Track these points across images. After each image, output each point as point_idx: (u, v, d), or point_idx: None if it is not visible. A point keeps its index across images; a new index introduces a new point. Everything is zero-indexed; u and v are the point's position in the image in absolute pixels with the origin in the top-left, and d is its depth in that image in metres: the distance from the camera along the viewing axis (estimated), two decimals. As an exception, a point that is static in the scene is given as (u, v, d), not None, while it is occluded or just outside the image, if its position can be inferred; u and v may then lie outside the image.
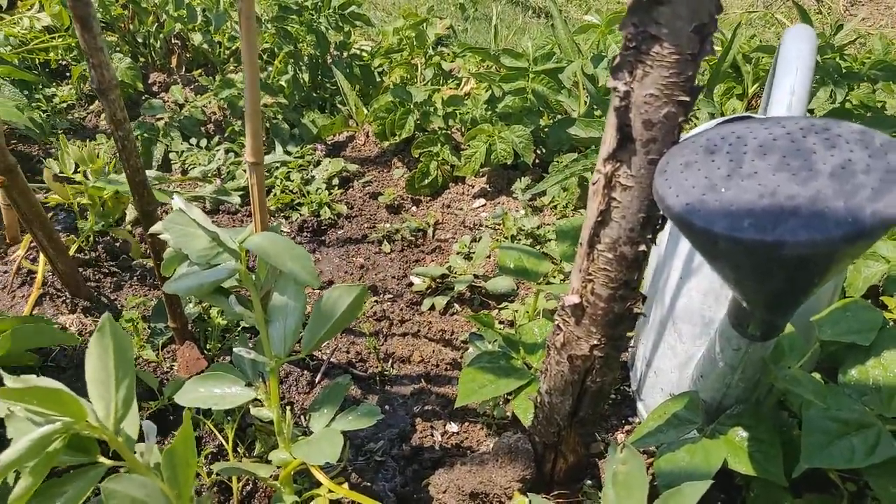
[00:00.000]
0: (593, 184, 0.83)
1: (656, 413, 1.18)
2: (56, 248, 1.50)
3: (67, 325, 1.46)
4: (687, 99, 0.75)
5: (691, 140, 0.76)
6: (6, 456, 0.73)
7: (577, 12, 5.66)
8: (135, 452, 0.88)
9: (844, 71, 1.76)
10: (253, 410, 1.12)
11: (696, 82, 0.75)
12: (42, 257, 1.53)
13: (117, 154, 1.16)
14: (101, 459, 0.86)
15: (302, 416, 1.40)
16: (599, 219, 0.84)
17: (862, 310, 1.11)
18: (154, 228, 1.09)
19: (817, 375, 1.17)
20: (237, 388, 1.10)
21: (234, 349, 1.08)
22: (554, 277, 1.75)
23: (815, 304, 1.21)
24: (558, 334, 0.97)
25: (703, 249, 0.72)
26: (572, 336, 0.95)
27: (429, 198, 2.37)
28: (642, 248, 0.84)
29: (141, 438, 0.90)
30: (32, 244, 1.62)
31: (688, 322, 1.25)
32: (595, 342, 0.93)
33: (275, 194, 2.30)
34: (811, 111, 1.80)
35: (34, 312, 1.49)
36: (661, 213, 0.80)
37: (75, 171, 1.64)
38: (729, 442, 1.08)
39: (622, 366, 1.61)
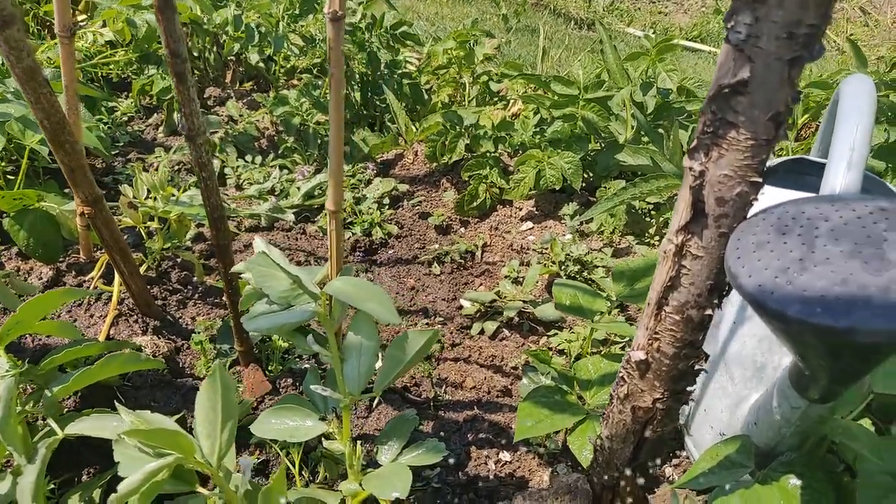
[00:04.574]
0: (663, 251, 0.88)
1: (708, 454, 1.21)
2: (130, 270, 1.58)
3: (143, 346, 1.54)
4: (759, 180, 0.79)
5: (762, 217, 0.80)
6: (125, 486, 0.81)
7: (619, 23, 5.67)
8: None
9: (899, 110, 1.78)
10: (325, 443, 1.18)
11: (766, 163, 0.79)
12: (117, 278, 1.61)
13: (201, 193, 1.23)
14: (200, 489, 0.93)
15: (358, 441, 1.47)
16: (669, 283, 0.88)
17: (916, 364, 1.14)
18: (236, 268, 1.16)
19: (868, 422, 1.20)
20: (310, 421, 1.16)
21: (309, 386, 1.14)
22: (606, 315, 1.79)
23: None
24: (622, 385, 1.02)
25: (775, 328, 0.76)
26: (636, 389, 0.99)
27: (477, 219, 2.43)
28: (708, 312, 0.89)
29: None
30: (106, 263, 1.70)
31: (740, 366, 1.29)
32: (658, 395, 0.98)
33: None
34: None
35: (110, 332, 1.58)
36: (730, 284, 0.84)
37: (147, 197, 1.73)
38: (782, 489, 1.11)
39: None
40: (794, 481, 1.12)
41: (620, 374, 1.02)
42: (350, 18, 2.81)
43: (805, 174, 1.47)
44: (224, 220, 1.32)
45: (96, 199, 1.40)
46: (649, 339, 0.94)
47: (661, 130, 2.28)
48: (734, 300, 1.30)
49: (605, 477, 1.13)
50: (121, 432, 0.81)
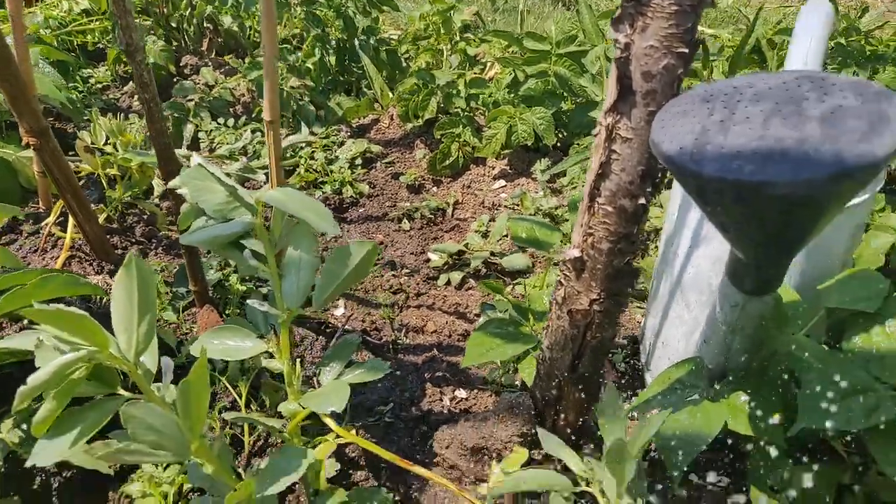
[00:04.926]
0: (595, 135, 0.85)
1: (660, 379, 1.19)
2: (85, 214, 1.56)
3: (97, 283, 1.52)
4: (686, 51, 0.76)
5: (690, 92, 0.78)
6: (33, 379, 0.78)
7: (609, 4, 5.64)
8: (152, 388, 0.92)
9: (869, 53, 1.74)
10: (264, 362, 1.16)
11: (697, 35, 0.77)
12: (71, 221, 1.59)
13: (145, 117, 1.20)
14: (121, 391, 0.90)
15: (315, 378, 1.44)
16: (600, 171, 0.86)
17: (869, 278, 1.11)
18: (172, 183, 1.13)
19: (824, 345, 1.18)
20: (250, 341, 1.13)
21: (248, 302, 1.11)
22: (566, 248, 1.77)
23: (825, 273, 1.22)
24: (559, 290, 0.99)
25: (696, 194, 0.73)
26: (573, 291, 0.97)
27: (450, 179, 2.40)
28: (641, 201, 0.86)
29: (159, 377, 0.94)
30: (63, 211, 1.68)
31: (696, 290, 1.26)
32: (595, 296, 0.95)
33: (299, 173, 2.34)
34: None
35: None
36: (660, 165, 0.81)
37: (105, 143, 1.70)
38: (730, 405, 1.09)
39: (633, 341, 1.62)
40: (743, 397, 1.10)
41: (558, 279, 0.99)
42: (325, -19, 2.78)
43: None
44: (170, 147, 1.29)
45: (42, 131, 1.37)
46: (584, 236, 0.92)
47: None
48: (690, 225, 1.28)
49: (547, 390, 1.10)
50: (29, 312, 0.78)
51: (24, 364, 1.13)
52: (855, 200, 1.15)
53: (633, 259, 0.92)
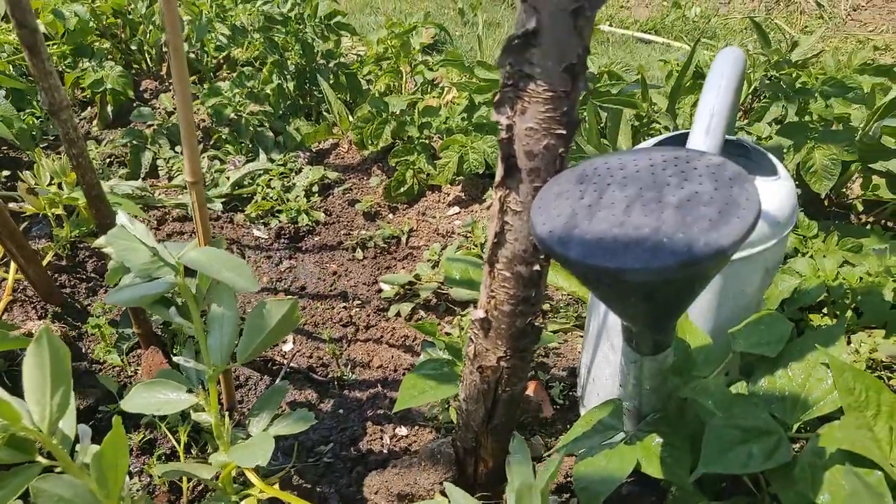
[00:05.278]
0: (489, 208, 0.89)
1: (584, 420, 1.23)
2: (26, 256, 1.57)
3: (34, 330, 1.54)
4: (564, 132, 0.80)
5: (570, 170, 0.82)
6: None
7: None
8: (72, 454, 0.95)
9: (798, 87, 1.79)
10: (194, 415, 1.19)
11: (575, 116, 0.81)
12: (13, 265, 1.61)
13: (73, 171, 1.23)
14: (39, 459, 0.93)
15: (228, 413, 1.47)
16: (496, 240, 0.90)
17: (775, 321, 1.16)
18: (97, 242, 1.16)
19: (742, 384, 1.22)
20: (180, 394, 1.16)
21: (175, 358, 1.14)
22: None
23: (740, 313, 1.26)
24: (470, 346, 1.03)
25: (573, 274, 0.77)
26: (482, 348, 1.00)
27: (405, 205, 2.43)
28: (536, 267, 0.90)
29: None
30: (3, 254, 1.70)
31: (617, 333, 1.30)
32: (501, 354, 0.99)
33: (255, 201, 2.37)
34: (766, 123, 1.84)
35: (2, 318, 1.57)
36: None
37: (50, 183, 1.72)
38: (645, 447, 1.13)
39: (571, 372, 1.66)
40: (657, 440, 1.14)
41: (469, 336, 1.03)
42: (281, 7, 2.81)
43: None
44: (103, 199, 1.32)
45: (-20, 182, 1.39)
46: (488, 298, 0.95)
47: (583, 115, 2.30)
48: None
49: (466, 440, 1.14)
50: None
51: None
52: (763, 245, 1.20)
53: (534, 319, 0.96)
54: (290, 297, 1.97)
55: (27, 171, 1.72)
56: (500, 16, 5.27)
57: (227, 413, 1.18)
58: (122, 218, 1.14)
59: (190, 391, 1.17)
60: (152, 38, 2.78)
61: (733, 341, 1.16)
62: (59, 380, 0.89)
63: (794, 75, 1.86)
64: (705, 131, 1.18)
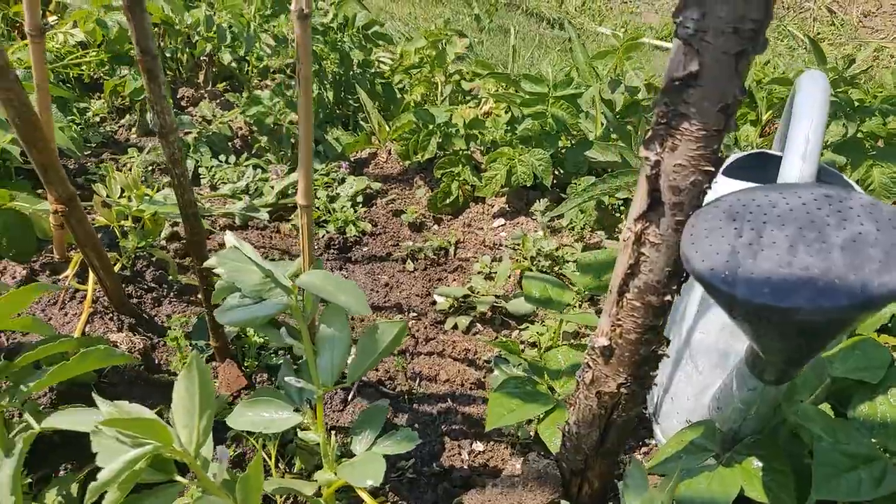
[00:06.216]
0: (624, 239, 0.91)
1: (675, 440, 1.26)
2: (105, 268, 1.59)
3: (119, 343, 1.55)
4: (712, 169, 0.83)
5: (714, 205, 0.84)
6: (105, 474, 0.82)
7: (591, 23, 5.73)
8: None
9: (857, 105, 1.83)
10: (300, 434, 1.20)
11: (721, 153, 0.83)
12: (91, 276, 1.62)
13: (174, 190, 1.24)
14: (178, 478, 0.95)
15: (333, 432, 1.49)
16: (629, 271, 0.92)
17: (871, 348, 1.19)
18: (209, 263, 1.17)
19: (828, 407, 1.25)
20: (284, 413, 1.18)
21: (283, 378, 1.16)
22: (576, 307, 1.82)
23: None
24: (587, 371, 1.05)
25: (726, 309, 0.80)
26: (601, 374, 1.03)
27: (450, 216, 2.45)
28: (668, 298, 0.92)
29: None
30: (81, 261, 1.71)
31: (704, 354, 1.33)
32: (622, 381, 1.01)
33: (302, 211, 2.38)
34: (826, 144, 1.87)
35: (85, 330, 1.58)
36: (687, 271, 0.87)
37: (121, 196, 1.73)
38: (745, 470, 1.15)
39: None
40: (756, 463, 1.17)
41: (585, 361, 1.05)
42: (322, 19, 2.83)
43: (767, 168, 1.52)
44: (198, 217, 1.33)
45: (70, 198, 1.41)
46: (612, 326, 0.98)
47: (629, 127, 2.32)
48: (697, 290, 1.34)
49: (574, 462, 1.16)
50: (99, 422, 0.83)
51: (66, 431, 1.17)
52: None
53: (658, 347, 0.98)
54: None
55: (100, 184, 1.73)
56: (514, 21, 5.30)
57: (333, 432, 1.19)
58: (231, 239, 1.15)
59: (297, 410, 1.19)
60: (199, 47, 2.78)
61: (829, 366, 1.19)
62: (206, 404, 0.91)
63: (848, 92, 1.89)
64: (802, 157, 1.20)
